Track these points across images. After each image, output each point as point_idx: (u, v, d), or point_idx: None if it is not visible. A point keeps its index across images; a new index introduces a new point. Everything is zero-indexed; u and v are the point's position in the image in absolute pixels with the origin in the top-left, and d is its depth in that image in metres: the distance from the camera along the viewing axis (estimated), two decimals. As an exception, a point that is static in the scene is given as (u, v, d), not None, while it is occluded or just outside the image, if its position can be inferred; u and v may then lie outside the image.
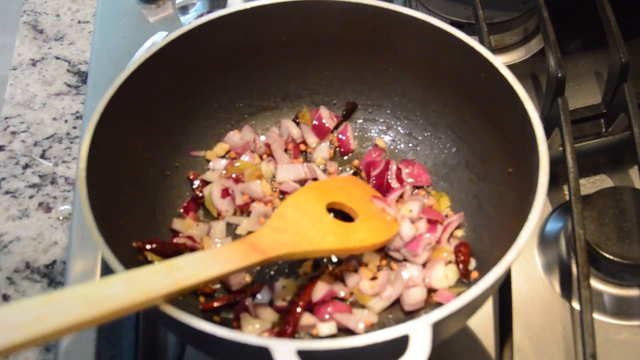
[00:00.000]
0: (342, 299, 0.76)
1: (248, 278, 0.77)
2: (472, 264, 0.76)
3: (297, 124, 0.90)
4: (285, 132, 0.89)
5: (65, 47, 1.12)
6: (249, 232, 0.80)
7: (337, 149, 0.90)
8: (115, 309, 0.51)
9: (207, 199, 0.83)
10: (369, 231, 0.76)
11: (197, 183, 0.84)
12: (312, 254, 0.70)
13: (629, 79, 0.88)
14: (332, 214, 0.77)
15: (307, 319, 0.72)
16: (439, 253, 0.78)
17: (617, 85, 0.89)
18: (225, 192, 0.84)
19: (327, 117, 0.89)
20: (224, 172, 0.85)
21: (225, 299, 0.75)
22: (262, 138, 0.90)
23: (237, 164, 0.86)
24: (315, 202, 0.75)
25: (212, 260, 0.61)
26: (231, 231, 0.82)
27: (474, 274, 0.75)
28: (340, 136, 0.89)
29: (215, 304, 0.74)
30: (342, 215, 0.78)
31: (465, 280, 0.75)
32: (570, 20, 1.02)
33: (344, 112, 0.90)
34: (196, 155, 0.86)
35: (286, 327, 0.70)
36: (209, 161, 0.87)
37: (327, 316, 0.73)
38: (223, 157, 0.88)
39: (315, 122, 0.88)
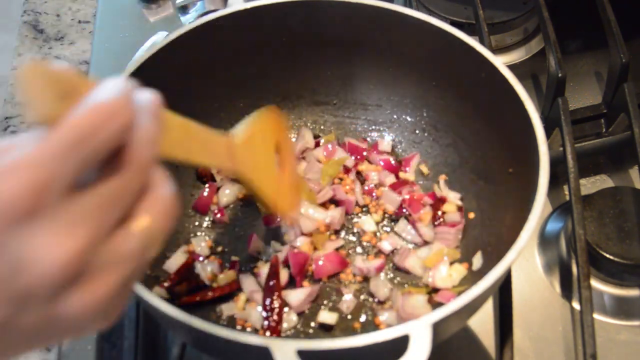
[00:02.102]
0: None
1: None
2: (477, 262, 0.76)
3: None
4: (301, 140, 0.89)
5: (66, 47, 1.12)
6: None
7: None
8: None
9: None
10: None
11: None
12: (255, 186, 0.67)
13: (629, 79, 0.88)
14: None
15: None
16: (440, 254, 0.78)
17: (618, 85, 0.89)
18: None
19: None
20: None
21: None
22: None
23: None
24: (268, 134, 0.71)
25: (207, 148, 0.59)
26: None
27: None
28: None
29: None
30: None
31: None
32: (570, 20, 1.02)
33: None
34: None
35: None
36: None
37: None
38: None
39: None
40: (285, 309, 0.76)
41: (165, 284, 0.75)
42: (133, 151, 0.40)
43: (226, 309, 0.76)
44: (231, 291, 0.77)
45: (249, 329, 0.75)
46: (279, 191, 0.70)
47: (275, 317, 0.74)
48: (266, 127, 0.71)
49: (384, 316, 0.75)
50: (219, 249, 0.82)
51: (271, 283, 0.76)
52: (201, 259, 0.80)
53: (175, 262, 0.78)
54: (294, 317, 0.75)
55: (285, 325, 0.75)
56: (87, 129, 0.37)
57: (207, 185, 0.86)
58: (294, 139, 0.90)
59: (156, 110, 0.43)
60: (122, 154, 0.39)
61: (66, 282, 0.37)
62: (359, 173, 0.87)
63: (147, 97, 0.42)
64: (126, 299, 0.42)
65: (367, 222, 0.83)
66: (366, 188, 0.86)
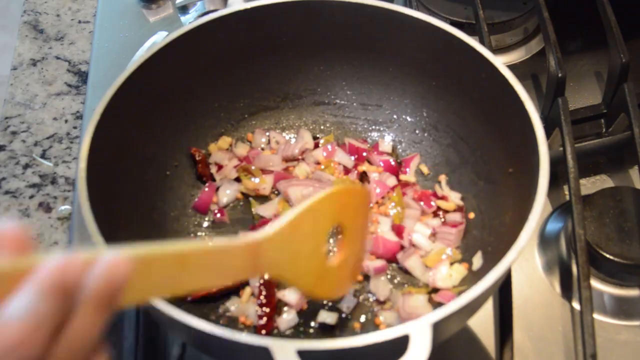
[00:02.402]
0: None
1: None
2: (478, 262, 0.76)
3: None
4: (300, 140, 0.89)
5: (66, 47, 1.12)
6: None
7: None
8: None
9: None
10: (333, 282, 0.64)
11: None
12: (288, 282, 0.61)
13: (629, 79, 0.88)
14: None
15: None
16: (439, 254, 0.78)
17: (618, 85, 0.89)
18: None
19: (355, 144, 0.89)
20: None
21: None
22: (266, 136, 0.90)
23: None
24: (322, 221, 0.60)
25: (218, 270, 0.51)
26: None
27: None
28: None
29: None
30: None
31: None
32: (570, 20, 1.02)
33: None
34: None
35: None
36: (209, 155, 0.88)
37: None
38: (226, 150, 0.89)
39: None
40: (285, 309, 0.76)
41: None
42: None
43: (230, 304, 0.76)
44: (235, 286, 0.77)
45: (249, 324, 0.75)
46: (322, 278, 0.61)
47: (267, 307, 0.74)
48: (327, 207, 0.59)
49: (383, 316, 0.75)
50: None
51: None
52: None
53: None
54: (294, 317, 0.75)
55: (285, 325, 0.75)
56: None
57: (207, 185, 0.86)
58: (293, 140, 0.90)
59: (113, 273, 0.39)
60: None
61: None
62: (364, 174, 0.87)
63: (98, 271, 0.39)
64: None
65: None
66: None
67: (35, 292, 0.37)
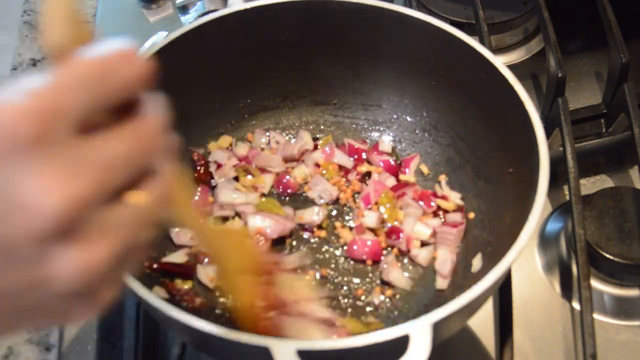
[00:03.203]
0: None
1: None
2: (477, 263, 0.76)
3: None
4: (300, 141, 0.89)
5: (66, 47, 1.12)
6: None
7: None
8: None
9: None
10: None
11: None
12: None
13: (629, 79, 0.88)
14: None
15: None
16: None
17: (617, 85, 0.89)
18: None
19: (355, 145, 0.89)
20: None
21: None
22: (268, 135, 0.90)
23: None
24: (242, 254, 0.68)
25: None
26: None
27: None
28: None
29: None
30: None
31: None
32: (570, 20, 1.02)
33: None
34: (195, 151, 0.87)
35: None
36: (209, 153, 0.87)
37: None
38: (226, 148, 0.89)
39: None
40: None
41: (150, 265, 0.75)
42: (146, 107, 0.37)
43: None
44: None
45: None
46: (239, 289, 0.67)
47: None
48: (242, 246, 0.69)
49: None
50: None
51: None
52: (206, 261, 0.79)
53: (174, 259, 0.78)
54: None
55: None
56: (105, 67, 0.35)
57: (199, 189, 0.85)
58: (292, 140, 0.90)
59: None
60: (134, 111, 0.37)
61: (58, 233, 0.33)
62: (367, 175, 0.87)
63: None
64: (119, 283, 0.39)
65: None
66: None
67: None
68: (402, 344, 0.54)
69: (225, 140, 0.88)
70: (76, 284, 0.34)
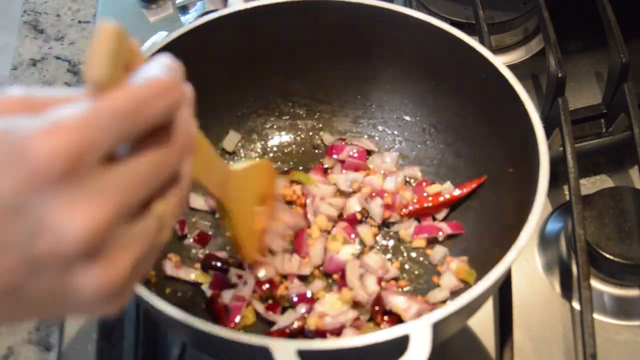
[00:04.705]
0: None
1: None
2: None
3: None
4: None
5: (66, 47, 1.12)
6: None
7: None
8: None
9: None
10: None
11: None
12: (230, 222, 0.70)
13: (629, 79, 0.88)
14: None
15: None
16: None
17: (618, 85, 0.89)
18: None
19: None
20: None
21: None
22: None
23: None
24: (257, 182, 0.74)
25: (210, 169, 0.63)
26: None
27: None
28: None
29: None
30: None
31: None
32: (570, 20, 1.02)
33: None
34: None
35: None
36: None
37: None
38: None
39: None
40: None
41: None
42: (177, 131, 0.39)
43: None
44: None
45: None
46: (249, 237, 0.72)
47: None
48: (258, 175, 0.73)
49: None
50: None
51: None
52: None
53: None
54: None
55: (285, 323, 0.75)
56: (141, 102, 0.36)
57: None
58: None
59: (191, 97, 0.43)
60: (163, 133, 0.38)
61: (84, 254, 0.36)
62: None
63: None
64: (136, 284, 0.41)
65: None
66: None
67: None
68: (402, 344, 0.54)
69: (235, 136, 0.89)
70: (97, 297, 0.38)
